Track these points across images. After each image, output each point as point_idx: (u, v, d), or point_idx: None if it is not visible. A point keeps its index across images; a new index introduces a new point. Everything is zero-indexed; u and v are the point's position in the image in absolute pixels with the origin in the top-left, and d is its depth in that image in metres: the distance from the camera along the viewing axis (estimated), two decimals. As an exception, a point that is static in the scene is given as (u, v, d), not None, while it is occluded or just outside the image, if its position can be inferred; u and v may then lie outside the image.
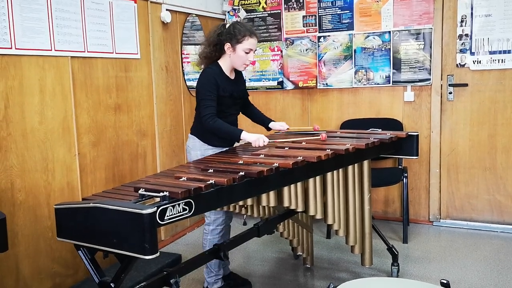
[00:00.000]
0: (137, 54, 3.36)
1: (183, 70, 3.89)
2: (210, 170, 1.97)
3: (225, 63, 2.63)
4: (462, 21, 3.71)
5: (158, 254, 1.51)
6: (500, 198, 3.76)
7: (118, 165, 3.23)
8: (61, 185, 2.79)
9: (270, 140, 2.52)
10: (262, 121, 2.91)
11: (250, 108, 2.95)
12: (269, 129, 2.89)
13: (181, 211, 1.62)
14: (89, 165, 2.99)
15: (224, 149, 2.67)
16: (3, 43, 2.43)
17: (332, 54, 4.13)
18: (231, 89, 2.63)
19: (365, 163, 2.62)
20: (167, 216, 1.57)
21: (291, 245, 3.13)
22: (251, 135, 2.45)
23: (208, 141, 2.65)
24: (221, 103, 2.58)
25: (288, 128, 2.85)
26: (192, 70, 4.05)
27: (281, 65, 4.35)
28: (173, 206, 1.59)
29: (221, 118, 2.57)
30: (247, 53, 2.57)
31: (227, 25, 2.62)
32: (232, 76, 2.69)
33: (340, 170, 2.44)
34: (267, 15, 4.35)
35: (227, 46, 2.56)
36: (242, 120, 2.94)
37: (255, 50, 2.65)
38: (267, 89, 4.43)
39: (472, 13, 3.67)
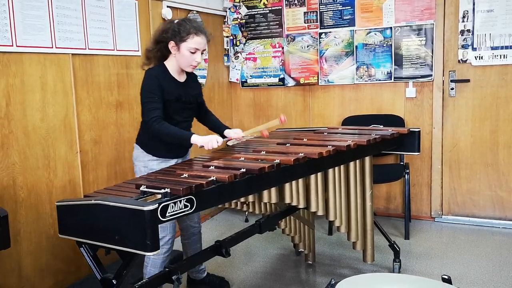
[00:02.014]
0: (138, 51, 3.36)
1: (184, 67, 3.89)
2: (211, 167, 1.97)
3: (172, 64, 2.41)
4: (464, 17, 3.70)
5: (159, 250, 1.52)
6: (502, 194, 3.76)
7: (120, 162, 3.23)
8: (63, 183, 2.80)
9: (225, 139, 2.42)
10: (218, 128, 2.67)
11: (207, 115, 2.71)
12: (224, 137, 2.60)
13: (183, 207, 1.62)
14: (91, 162, 3.00)
15: (172, 160, 2.46)
16: (4, 40, 2.43)
17: (334, 51, 4.12)
18: (178, 93, 2.40)
19: (367, 160, 2.62)
20: (169, 213, 1.57)
21: (292, 241, 3.13)
22: (203, 138, 2.26)
23: (152, 151, 2.43)
24: (166, 108, 2.37)
25: (242, 136, 2.57)
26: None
27: (282, 61, 4.35)
28: (175, 203, 1.59)
29: None
30: (192, 52, 2.34)
31: (175, 22, 2.40)
32: (182, 79, 2.47)
33: (342, 166, 2.44)
34: (268, 11, 4.34)
35: (171, 44, 2.35)
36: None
37: (204, 50, 2.41)
38: (268, 85, 4.43)
39: (474, 9, 3.66)
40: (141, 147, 2.46)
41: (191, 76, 2.54)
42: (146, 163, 2.43)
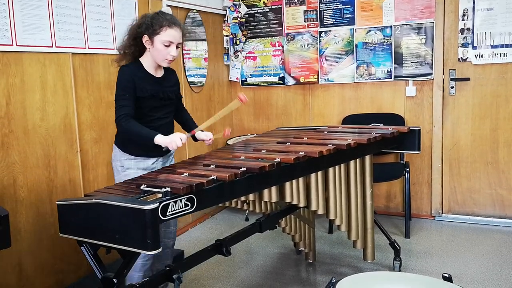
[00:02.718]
0: (138, 50, 3.36)
1: (184, 66, 3.89)
2: (211, 166, 1.97)
3: (147, 60, 2.31)
4: (464, 15, 3.70)
5: (160, 249, 1.52)
6: (502, 192, 3.76)
7: (120, 161, 3.23)
8: (63, 182, 2.79)
9: (189, 134, 2.27)
10: (189, 128, 2.57)
11: (181, 113, 2.59)
12: (195, 139, 2.48)
13: (183, 206, 1.62)
14: (91, 162, 2.99)
15: (150, 160, 2.36)
16: (4, 39, 2.43)
17: (334, 49, 4.12)
18: (154, 89, 2.29)
19: (367, 158, 2.62)
20: (169, 212, 1.57)
21: (293, 240, 3.13)
22: (166, 138, 2.14)
23: (127, 150, 2.34)
24: (143, 106, 2.27)
25: (211, 139, 2.42)
26: (194, 66, 4.05)
27: (282, 60, 4.34)
28: (175, 202, 1.58)
29: (147, 123, 2.26)
30: (167, 46, 2.23)
31: (149, 15, 2.29)
32: (159, 74, 2.36)
33: (342, 165, 2.44)
34: (268, 10, 4.34)
35: (145, 38, 2.24)
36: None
37: (180, 43, 2.28)
38: (268, 84, 4.43)
39: (474, 7, 3.66)
40: (118, 146, 2.39)
41: (169, 71, 2.44)
42: (122, 162, 2.35)
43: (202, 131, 2.42)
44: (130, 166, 2.32)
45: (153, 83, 2.31)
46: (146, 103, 2.28)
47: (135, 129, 2.17)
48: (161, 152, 2.34)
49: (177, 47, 2.27)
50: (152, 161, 2.37)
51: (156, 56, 2.27)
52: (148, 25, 2.23)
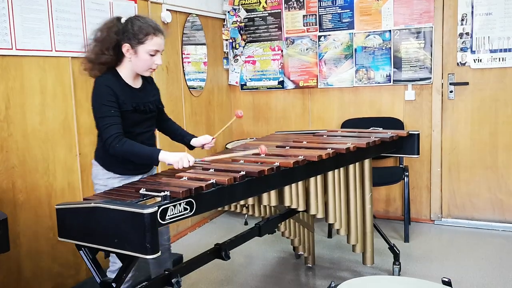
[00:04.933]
0: (138, 54, 3.36)
1: (183, 70, 3.89)
2: (211, 170, 1.97)
3: (126, 69, 2.12)
4: (462, 20, 3.71)
5: (159, 253, 1.51)
6: (502, 197, 3.76)
7: (119, 165, 3.22)
8: (62, 186, 2.79)
9: (198, 160, 2.04)
10: (182, 138, 2.40)
11: (167, 123, 2.42)
12: (191, 147, 2.38)
13: (182, 210, 1.62)
14: (90, 166, 2.98)
15: (135, 177, 2.18)
16: (4, 44, 2.44)
17: (333, 53, 4.13)
18: (136, 101, 2.12)
19: (366, 162, 2.62)
20: (168, 215, 1.57)
21: (292, 244, 3.13)
22: (173, 155, 1.97)
23: (113, 168, 2.16)
24: (124, 120, 2.07)
25: (213, 138, 2.35)
26: (193, 70, 4.05)
27: (281, 64, 4.35)
28: (174, 206, 1.58)
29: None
30: (152, 55, 2.08)
31: (123, 20, 2.09)
32: (137, 85, 2.18)
33: (341, 169, 2.44)
34: (267, 14, 4.35)
35: (126, 47, 2.05)
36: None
37: (162, 50, 2.14)
38: (267, 88, 4.43)
39: (472, 12, 3.67)
40: (100, 163, 2.19)
41: (147, 80, 2.25)
42: (105, 182, 2.16)
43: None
44: (114, 186, 2.10)
45: (133, 95, 2.13)
46: (128, 118, 2.09)
47: (133, 150, 2.00)
48: (147, 168, 2.22)
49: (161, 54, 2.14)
50: (137, 178, 2.20)
51: (139, 66, 2.11)
52: (130, 33, 2.04)
